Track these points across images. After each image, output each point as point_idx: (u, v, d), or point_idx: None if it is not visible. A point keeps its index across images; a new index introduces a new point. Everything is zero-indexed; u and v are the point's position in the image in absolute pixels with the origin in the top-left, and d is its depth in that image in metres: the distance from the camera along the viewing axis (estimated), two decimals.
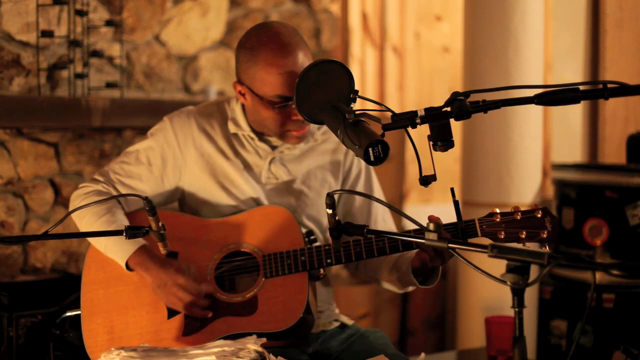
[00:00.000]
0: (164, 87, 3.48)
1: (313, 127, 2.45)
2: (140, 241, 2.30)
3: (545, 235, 2.14)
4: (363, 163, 2.53)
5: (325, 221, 2.52)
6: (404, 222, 4.02)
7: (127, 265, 2.30)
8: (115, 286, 2.35)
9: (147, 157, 2.44)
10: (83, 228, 2.37)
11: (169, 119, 2.47)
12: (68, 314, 2.68)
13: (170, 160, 2.44)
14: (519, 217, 2.16)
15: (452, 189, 2.00)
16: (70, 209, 2.41)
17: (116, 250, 2.30)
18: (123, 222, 2.34)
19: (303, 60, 2.27)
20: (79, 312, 2.36)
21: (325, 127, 1.92)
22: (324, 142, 2.50)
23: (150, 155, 2.44)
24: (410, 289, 2.38)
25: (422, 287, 2.30)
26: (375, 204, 2.53)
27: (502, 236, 2.15)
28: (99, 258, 2.37)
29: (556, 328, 3.65)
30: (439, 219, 2.11)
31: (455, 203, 2.01)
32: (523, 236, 2.14)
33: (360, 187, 2.53)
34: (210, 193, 2.44)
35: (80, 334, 2.34)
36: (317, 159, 2.49)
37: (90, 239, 2.38)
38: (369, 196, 2.00)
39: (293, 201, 2.46)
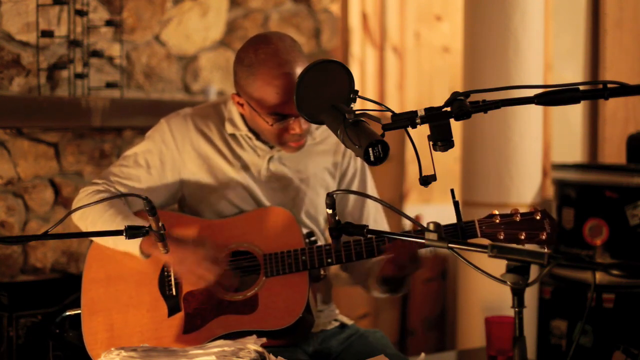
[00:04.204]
0: (164, 87, 3.48)
1: (312, 125, 2.45)
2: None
3: (544, 237, 2.15)
4: (359, 164, 2.54)
5: (323, 219, 2.52)
6: (404, 222, 4.02)
7: (141, 251, 2.29)
8: (115, 285, 2.35)
9: (145, 160, 2.44)
10: (89, 227, 2.36)
11: (166, 121, 2.48)
12: (68, 313, 2.68)
13: (169, 161, 2.44)
14: (518, 219, 2.16)
15: (452, 190, 2.00)
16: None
17: (127, 241, 2.29)
18: (129, 214, 2.34)
19: None
20: (78, 312, 2.36)
21: (323, 126, 1.92)
22: (323, 140, 2.51)
23: (149, 157, 2.44)
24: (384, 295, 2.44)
25: (392, 295, 2.34)
26: (368, 207, 2.54)
27: (502, 237, 2.16)
28: (100, 257, 2.37)
29: (556, 328, 3.65)
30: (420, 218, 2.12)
31: (455, 204, 2.01)
32: (522, 237, 2.15)
33: (354, 188, 2.54)
34: (210, 192, 2.44)
35: (80, 333, 2.33)
36: (316, 157, 2.50)
37: (97, 238, 2.37)
38: (368, 196, 2.01)
39: (292, 199, 2.46)
